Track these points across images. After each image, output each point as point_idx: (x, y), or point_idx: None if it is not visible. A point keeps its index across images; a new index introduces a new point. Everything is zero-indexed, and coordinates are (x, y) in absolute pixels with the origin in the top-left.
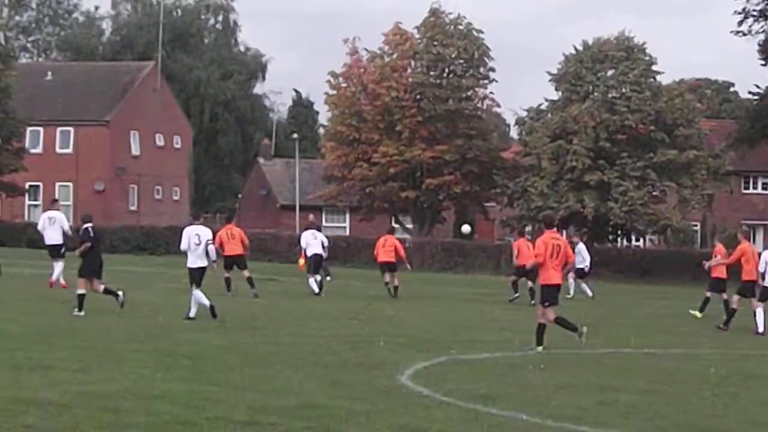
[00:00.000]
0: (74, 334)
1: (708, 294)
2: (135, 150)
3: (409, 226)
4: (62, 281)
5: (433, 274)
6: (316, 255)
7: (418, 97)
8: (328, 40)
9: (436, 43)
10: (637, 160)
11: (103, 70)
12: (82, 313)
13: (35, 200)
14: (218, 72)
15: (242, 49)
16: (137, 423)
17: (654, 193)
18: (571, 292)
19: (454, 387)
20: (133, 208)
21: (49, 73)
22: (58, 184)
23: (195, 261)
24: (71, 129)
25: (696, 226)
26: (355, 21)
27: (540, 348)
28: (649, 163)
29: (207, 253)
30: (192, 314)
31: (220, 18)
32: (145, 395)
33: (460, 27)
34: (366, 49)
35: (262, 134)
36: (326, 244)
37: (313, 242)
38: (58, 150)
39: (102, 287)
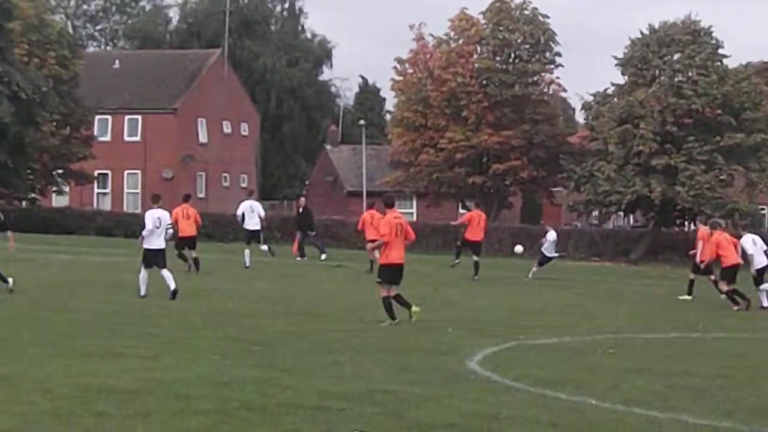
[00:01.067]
0: (145, 321)
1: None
2: (202, 137)
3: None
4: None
5: (500, 259)
6: (253, 230)
7: (484, 82)
8: (394, 26)
9: (501, 28)
10: (704, 144)
11: (171, 58)
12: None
13: (104, 188)
14: (284, 59)
15: (308, 35)
16: (208, 409)
17: (721, 177)
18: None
19: (522, 372)
20: (201, 195)
21: (117, 61)
22: (126, 172)
23: (154, 242)
24: (139, 117)
25: (764, 209)
26: (421, 7)
27: None
28: (716, 146)
29: (165, 235)
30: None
31: (287, 5)
32: (215, 382)
33: (526, 12)
34: (432, 35)
35: (329, 121)
36: (263, 215)
37: (250, 215)
38: (126, 138)
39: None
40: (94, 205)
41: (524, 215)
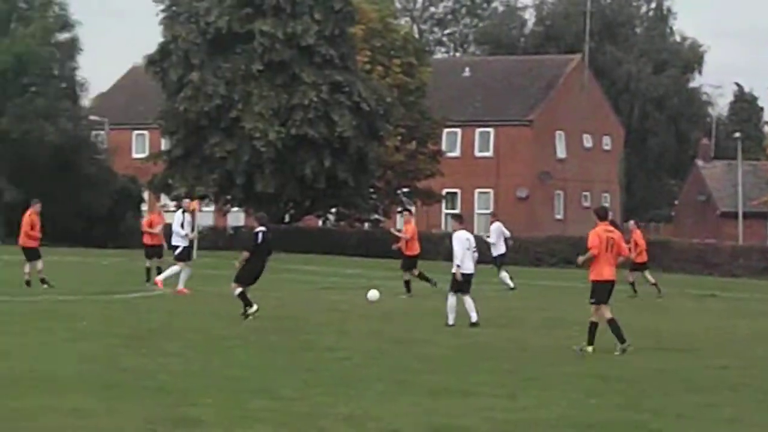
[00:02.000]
0: (497, 355)
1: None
2: (560, 152)
3: None
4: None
5: None
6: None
7: None
8: None
9: None
10: None
11: (525, 65)
12: (255, 307)
13: (452, 208)
14: (650, 65)
15: (677, 38)
16: None
17: None
18: None
19: None
20: (558, 216)
21: (467, 68)
22: (477, 190)
23: (467, 266)
24: (491, 130)
25: None
26: None
27: None
28: None
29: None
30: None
31: (653, 5)
32: (578, 423)
33: None
34: None
35: (699, 133)
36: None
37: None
38: (477, 153)
39: None
40: (442, 227)
41: None
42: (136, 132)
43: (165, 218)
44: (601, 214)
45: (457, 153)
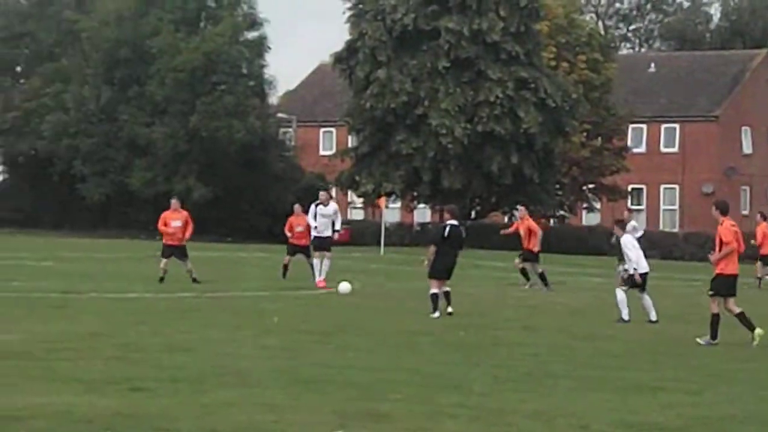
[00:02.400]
0: (684, 352)
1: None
2: (747, 148)
3: None
4: None
5: None
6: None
7: None
8: None
9: None
10: None
11: (711, 60)
12: (437, 315)
13: (638, 204)
14: None
15: None
16: None
17: None
18: None
19: None
20: (744, 212)
21: (652, 64)
22: (662, 186)
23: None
24: (676, 126)
25: None
26: None
27: None
28: None
29: None
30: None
31: None
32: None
33: None
34: None
35: None
36: None
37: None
38: (662, 149)
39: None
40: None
41: None
42: (324, 129)
43: (306, 218)
44: (724, 209)
45: (642, 149)
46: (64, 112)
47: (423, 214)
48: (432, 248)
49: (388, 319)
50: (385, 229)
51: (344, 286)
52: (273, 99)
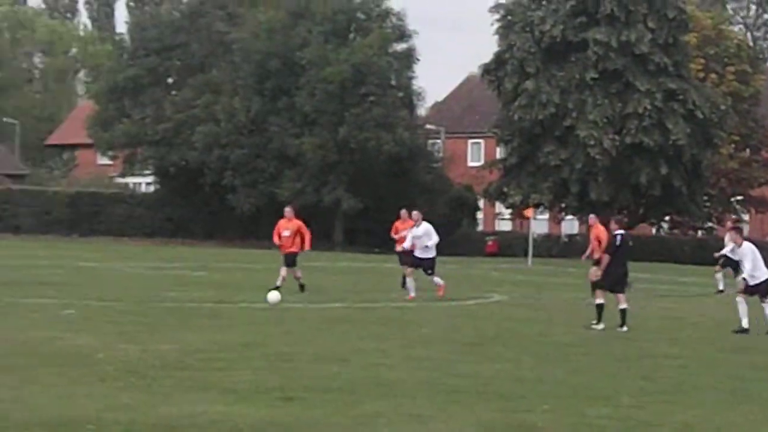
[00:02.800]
0: None
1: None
2: None
3: None
4: None
5: None
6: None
7: None
8: None
9: None
10: None
11: None
12: (601, 326)
13: None
14: None
15: None
16: None
17: None
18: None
19: None
20: None
21: None
22: None
23: None
24: None
25: None
26: None
27: None
28: None
29: None
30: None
31: None
32: None
33: None
34: None
35: None
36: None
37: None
38: None
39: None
40: None
41: None
42: (472, 140)
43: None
44: None
45: None
46: (215, 124)
47: (571, 225)
48: (606, 258)
49: (535, 329)
50: (533, 240)
51: (273, 296)
52: (421, 110)
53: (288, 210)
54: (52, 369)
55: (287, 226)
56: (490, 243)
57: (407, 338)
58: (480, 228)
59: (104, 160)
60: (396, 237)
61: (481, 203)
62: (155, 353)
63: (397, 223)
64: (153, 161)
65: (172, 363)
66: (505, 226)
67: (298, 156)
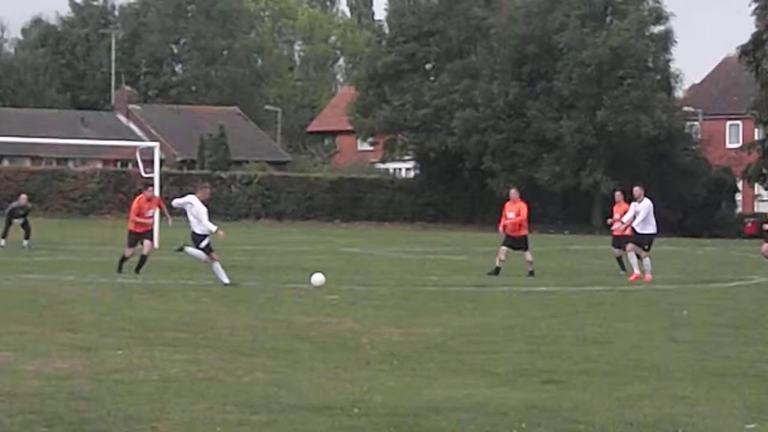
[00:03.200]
0: None
1: None
2: None
3: None
4: None
5: None
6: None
7: None
8: None
9: None
10: None
11: None
12: None
13: None
14: None
15: None
16: None
17: None
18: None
19: None
20: None
21: None
22: None
23: None
24: None
25: None
26: None
27: None
28: None
29: None
30: None
31: None
32: None
33: None
34: None
35: None
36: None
37: None
38: None
39: None
40: None
41: None
42: (730, 122)
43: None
44: None
45: None
46: (474, 109)
47: None
48: None
49: None
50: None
51: (316, 278)
52: (679, 93)
53: (513, 192)
54: (316, 353)
55: (512, 209)
56: (749, 224)
57: (668, 320)
58: (739, 210)
59: (364, 146)
60: (610, 221)
61: (740, 185)
62: (418, 337)
63: (615, 207)
64: (413, 147)
65: (435, 346)
66: (764, 207)
67: (557, 140)
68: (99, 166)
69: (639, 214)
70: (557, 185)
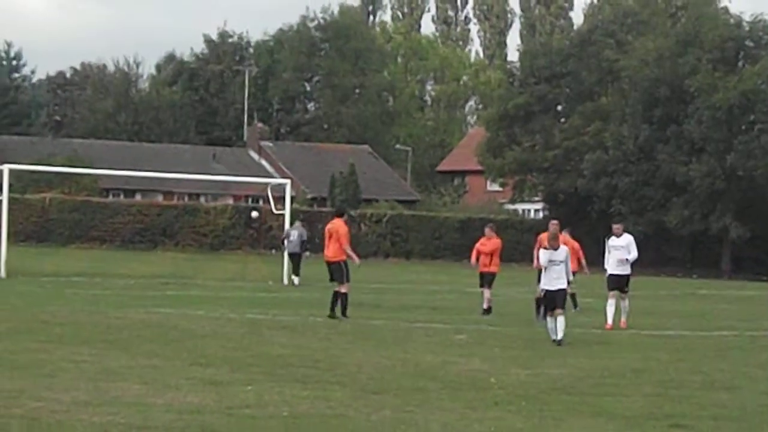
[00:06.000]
0: None
1: None
2: None
3: None
4: None
5: None
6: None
7: None
8: None
9: None
10: None
11: None
12: None
13: None
14: None
15: None
16: None
17: None
18: None
19: None
20: None
21: None
22: None
23: None
24: None
25: None
26: None
27: None
28: None
29: None
30: None
31: None
32: None
33: None
34: None
35: None
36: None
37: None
38: None
39: None
40: None
41: None
42: None
43: None
44: None
45: None
46: (604, 151)
47: None
48: None
49: None
50: None
51: None
52: None
53: (488, 229)
54: (444, 392)
55: (486, 244)
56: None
57: None
58: None
59: (494, 186)
60: None
61: None
62: (546, 378)
63: None
64: (542, 188)
65: (563, 387)
66: None
67: (686, 183)
68: (230, 201)
69: None
70: (685, 229)
